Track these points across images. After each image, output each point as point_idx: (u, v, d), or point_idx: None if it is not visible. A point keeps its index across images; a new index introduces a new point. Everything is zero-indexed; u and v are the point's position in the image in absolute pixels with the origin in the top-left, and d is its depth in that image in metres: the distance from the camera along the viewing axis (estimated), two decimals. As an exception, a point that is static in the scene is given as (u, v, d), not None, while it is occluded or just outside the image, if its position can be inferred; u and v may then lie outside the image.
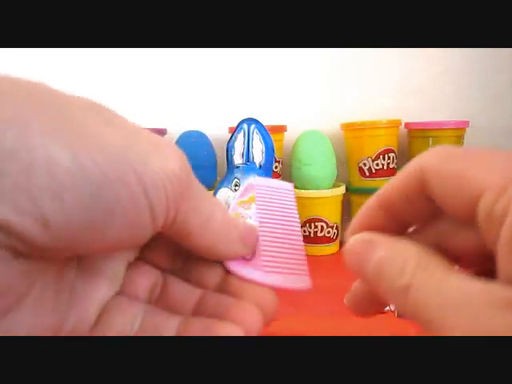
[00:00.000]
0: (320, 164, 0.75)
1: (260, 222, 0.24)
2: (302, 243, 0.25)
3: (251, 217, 0.24)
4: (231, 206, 0.25)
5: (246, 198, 0.25)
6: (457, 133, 0.72)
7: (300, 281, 0.24)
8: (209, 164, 0.78)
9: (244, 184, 0.24)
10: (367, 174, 0.74)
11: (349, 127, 0.76)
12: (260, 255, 0.23)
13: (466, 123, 0.73)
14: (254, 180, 0.25)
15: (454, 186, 0.15)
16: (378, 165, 0.74)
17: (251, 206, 0.24)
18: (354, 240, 0.19)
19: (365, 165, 0.74)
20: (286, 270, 0.24)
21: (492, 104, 0.79)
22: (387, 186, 0.19)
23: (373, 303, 0.21)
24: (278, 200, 0.25)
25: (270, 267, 0.23)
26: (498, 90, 0.78)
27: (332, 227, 0.77)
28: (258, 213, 0.24)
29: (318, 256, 0.77)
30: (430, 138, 0.72)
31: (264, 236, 0.23)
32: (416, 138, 0.74)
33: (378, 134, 0.74)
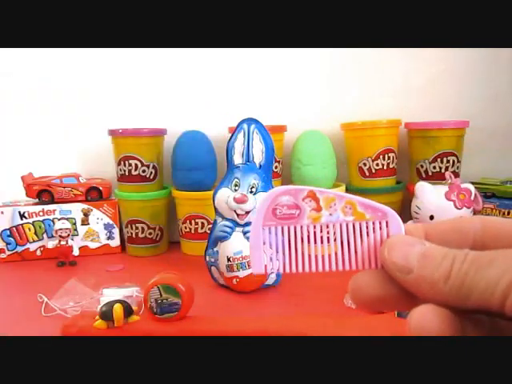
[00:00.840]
0: (320, 164, 0.75)
1: None
2: None
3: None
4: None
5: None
6: (457, 133, 0.72)
7: None
8: (209, 164, 0.78)
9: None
10: (367, 174, 0.74)
11: (349, 127, 0.76)
12: None
13: (466, 123, 0.73)
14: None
15: None
16: (377, 165, 0.74)
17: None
18: (396, 237, 0.20)
19: (365, 165, 0.74)
20: None
21: (492, 104, 0.79)
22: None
23: (385, 298, 0.20)
24: None
25: None
26: (498, 90, 0.78)
27: (332, 227, 0.77)
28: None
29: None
30: (430, 138, 0.72)
31: None
32: (416, 137, 0.74)
33: (378, 133, 0.74)
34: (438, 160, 0.72)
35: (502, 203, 0.67)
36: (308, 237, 0.22)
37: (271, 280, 0.60)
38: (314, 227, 0.22)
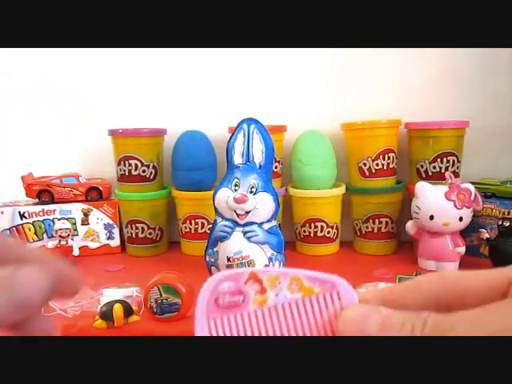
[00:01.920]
0: (320, 164, 0.75)
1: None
2: None
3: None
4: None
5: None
6: (457, 133, 0.72)
7: None
8: (209, 164, 0.78)
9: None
10: (367, 174, 0.74)
11: (349, 127, 0.76)
12: None
13: (466, 123, 0.73)
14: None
15: None
16: (377, 165, 0.74)
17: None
18: (350, 309, 0.19)
19: (365, 165, 0.74)
20: None
21: (492, 104, 0.79)
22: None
23: None
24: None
25: None
26: (498, 90, 0.78)
27: (332, 227, 0.77)
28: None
29: (317, 256, 0.77)
30: (430, 138, 0.72)
31: None
32: (416, 137, 0.74)
33: (378, 134, 0.74)
34: (438, 160, 0.72)
35: (501, 203, 0.67)
36: (257, 323, 0.20)
37: (271, 280, 0.60)
38: (262, 311, 0.20)
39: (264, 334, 0.21)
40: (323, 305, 0.20)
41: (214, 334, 0.21)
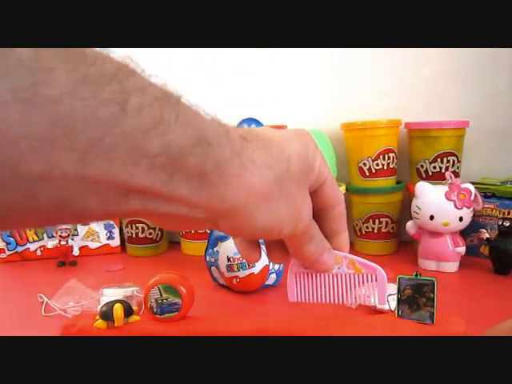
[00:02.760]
0: (320, 164, 0.75)
1: None
2: None
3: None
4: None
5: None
6: (457, 133, 0.72)
7: None
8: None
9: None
10: (367, 173, 0.74)
11: (349, 127, 0.76)
12: None
13: (466, 123, 0.73)
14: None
15: None
16: (377, 165, 0.74)
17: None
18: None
19: (365, 165, 0.74)
20: None
21: (492, 104, 0.79)
22: None
23: None
24: None
25: None
26: (498, 89, 0.78)
27: (332, 227, 0.77)
28: None
29: (318, 256, 0.77)
30: (430, 138, 0.72)
31: None
32: (416, 137, 0.74)
33: (378, 133, 0.74)
34: (438, 160, 0.72)
35: (502, 203, 0.67)
36: (323, 280, 0.33)
37: (271, 280, 0.60)
38: (327, 275, 0.32)
39: (326, 288, 0.33)
40: (365, 279, 0.32)
41: (298, 282, 0.33)
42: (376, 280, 0.32)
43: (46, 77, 0.15)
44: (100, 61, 0.17)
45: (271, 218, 0.23)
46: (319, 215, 0.29)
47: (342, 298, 0.33)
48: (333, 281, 0.33)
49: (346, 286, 0.32)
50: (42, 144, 0.15)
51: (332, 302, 0.32)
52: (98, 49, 0.18)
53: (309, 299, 0.34)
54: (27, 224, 0.22)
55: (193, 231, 0.78)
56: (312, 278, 0.33)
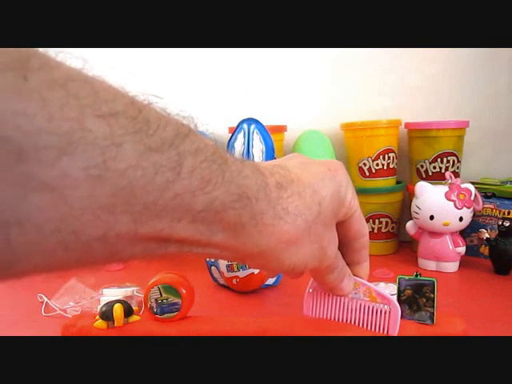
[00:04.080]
0: (320, 164, 0.75)
1: None
2: None
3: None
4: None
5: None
6: (457, 133, 0.72)
7: None
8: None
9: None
10: (367, 174, 0.74)
11: (349, 127, 0.76)
12: None
13: (466, 123, 0.73)
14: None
15: None
16: (378, 165, 0.74)
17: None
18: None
19: (365, 165, 0.74)
20: None
21: (492, 104, 0.79)
22: None
23: None
24: None
25: None
26: (498, 89, 0.78)
27: (332, 227, 0.77)
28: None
29: (318, 256, 0.77)
30: (430, 138, 0.72)
31: None
32: (416, 137, 0.74)
33: (378, 133, 0.74)
34: (438, 160, 0.72)
35: (501, 203, 0.67)
36: (338, 303, 0.35)
37: (271, 280, 0.60)
38: (344, 298, 0.35)
39: (341, 310, 0.35)
40: (379, 310, 0.34)
41: (315, 298, 0.36)
42: (390, 311, 0.33)
43: (115, 152, 0.16)
44: (162, 127, 0.18)
45: (297, 259, 0.25)
46: (343, 245, 0.30)
47: (354, 321, 0.34)
48: (348, 304, 0.35)
49: (359, 311, 0.34)
50: (103, 212, 0.16)
51: (344, 321, 0.35)
52: (160, 109, 0.20)
53: (322, 316, 0.36)
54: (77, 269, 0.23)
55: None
56: (328, 297, 0.35)
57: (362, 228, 0.30)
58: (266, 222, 0.22)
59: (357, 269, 0.32)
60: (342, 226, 0.29)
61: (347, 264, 0.31)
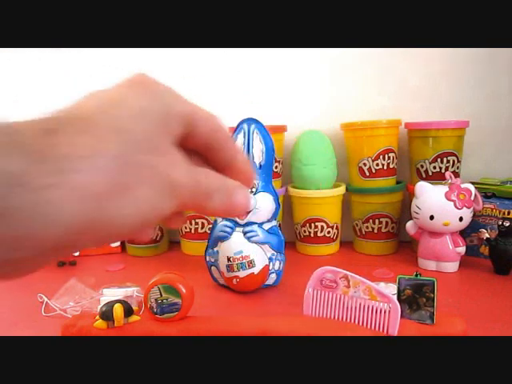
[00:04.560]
0: (320, 164, 0.75)
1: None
2: None
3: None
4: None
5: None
6: (457, 133, 0.72)
7: None
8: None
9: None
10: (367, 174, 0.74)
11: (349, 127, 0.76)
12: None
13: (466, 123, 0.73)
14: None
15: None
16: (378, 165, 0.74)
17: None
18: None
19: (365, 165, 0.74)
20: None
21: (492, 104, 0.79)
22: None
23: None
24: None
25: None
26: (498, 89, 0.78)
27: (332, 227, 0.77)
28: None
29: (318, 256, 0.77)
30: (430, 138, 0.72)
31: None
32: (416, 137, 0.74)
33: (378, 133, 0.74)
34: (438, 160, 0.72)
35: (501, 203, 0.67)
36: (339, 301, 0.36)
37: (271, 280, 0.60)
38: (344, 296, 0.35)
39: (341, 308, 0.35)
40: (378, 309, 0.34)
41: (315, 298, 0.37)
42: (389, 310, 0.34)
43: None
44: None
45: (136, 210, 0.18)
46: (212, 159, 0.23)
47: (354, 319, 0.35)
48: (347, 302, 0.36)
49: (359, 309, 0.35)
50: None
51: (343, 320, 0.35)
52: None
53: (322, 315, 0.36)
54: None
55: (193, 231, 0.78)
56: (328, 296, 0.36)
57: (212, 125, 0.23)
58: (38, 184, 0.15)
59: (236, 167, 0.24)
60: (191, 139, 0.22)
61: (222, 170, 0.23)
